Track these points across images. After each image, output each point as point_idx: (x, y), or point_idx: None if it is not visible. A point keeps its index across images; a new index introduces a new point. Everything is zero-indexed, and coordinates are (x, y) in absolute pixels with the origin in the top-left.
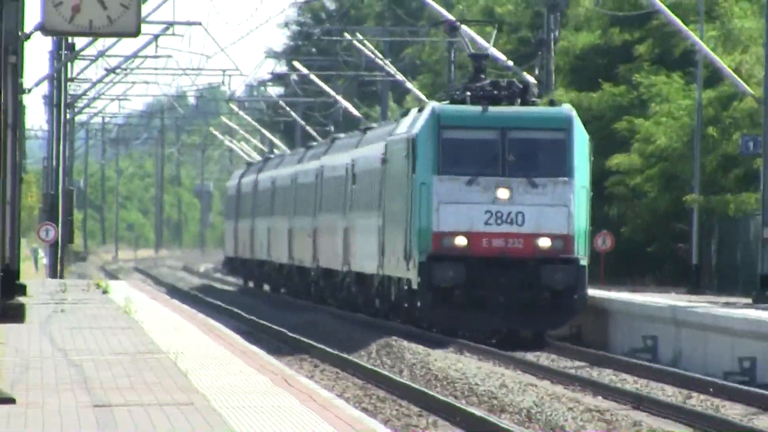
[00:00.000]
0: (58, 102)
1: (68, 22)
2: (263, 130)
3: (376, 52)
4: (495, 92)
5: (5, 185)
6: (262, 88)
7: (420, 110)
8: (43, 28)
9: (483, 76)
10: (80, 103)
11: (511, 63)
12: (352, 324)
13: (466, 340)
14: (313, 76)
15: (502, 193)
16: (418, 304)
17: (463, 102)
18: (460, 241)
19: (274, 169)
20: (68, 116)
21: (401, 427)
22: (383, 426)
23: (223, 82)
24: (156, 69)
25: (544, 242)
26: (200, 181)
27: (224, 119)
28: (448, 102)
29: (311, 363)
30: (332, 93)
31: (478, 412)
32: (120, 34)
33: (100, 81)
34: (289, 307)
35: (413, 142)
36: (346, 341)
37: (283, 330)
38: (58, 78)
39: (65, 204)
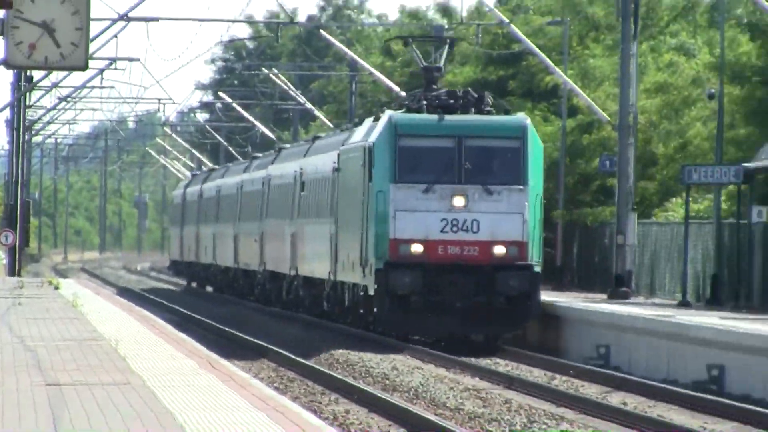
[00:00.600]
0: (18, 125)
1: (27, 58)
2: (192, 150)
3: (289, 84)
4: (451, 101)
5: None
6: (192, 114)
7: (375, 119)
8: (6, 63)
9: (435, 87)
10: (37, 126)
11: (403, 93)
12: (280, 320)
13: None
14: (235, 105)
15: (458, 201)
16: (375, 309)
17: (419, 111)
18: (417, 248)
19: (220, 179)
20: (26, 138)
21: (307, 403)
22: (292, 402)
23: (158, 109)
24: (101, 98)
25: (500, 249)
26: (138, 193)
27: (159, 141)
28: (404, 111)
29: (233, 349)
30: (251, 119)
31: (373, 390)
32: (71, 68)
33: (53, 108)
34: (220, 303)
35: (370, 150)
36: (267, 332)
37: (211, 321)
38: (18, 105)
39: (23, 213)
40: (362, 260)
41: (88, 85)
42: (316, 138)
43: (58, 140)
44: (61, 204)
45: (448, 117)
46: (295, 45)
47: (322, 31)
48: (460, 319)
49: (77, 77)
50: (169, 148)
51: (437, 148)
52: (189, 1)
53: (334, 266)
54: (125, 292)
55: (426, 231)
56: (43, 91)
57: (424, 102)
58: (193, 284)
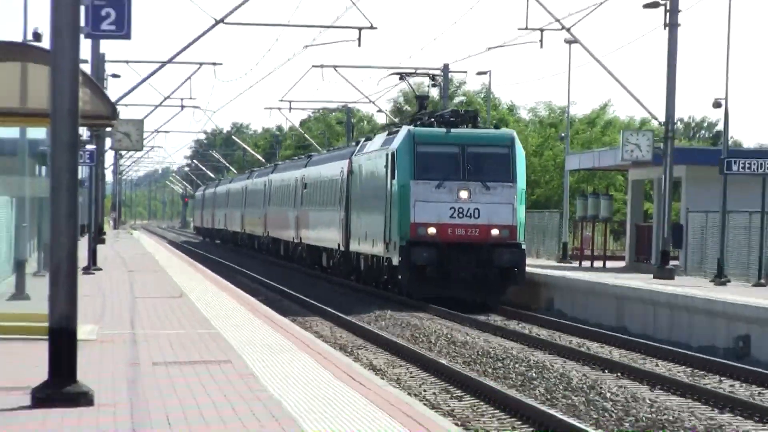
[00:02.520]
0: None
1: None
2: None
3: None
4: (453, 119)
5: None
6: None
7: (390, 133)
8: None
9: (425, 110)
10: None
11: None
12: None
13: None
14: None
15: (463, 194)
16: (399, 277)
17: (430, 125)
18: (432, 230)
19: (228, 184)
20: None
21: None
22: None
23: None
24: None
25: (495, 231)
26: None
27: None
28: (417, 125)
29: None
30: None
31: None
32: None
33: None
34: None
35: (393, 155)
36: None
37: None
38: None
39: None
40: (386, 238)
41: None
42: (310, 156)
43: None
44: None
45: (453, 130)
46: None
47: None
48: (465, 286)
49: None
50: None
51: (446, 153)
52: None
53: (346, 240)
54: None
55: (438, 217)
56: None
57: (433, 119)
58: (207, 239)
